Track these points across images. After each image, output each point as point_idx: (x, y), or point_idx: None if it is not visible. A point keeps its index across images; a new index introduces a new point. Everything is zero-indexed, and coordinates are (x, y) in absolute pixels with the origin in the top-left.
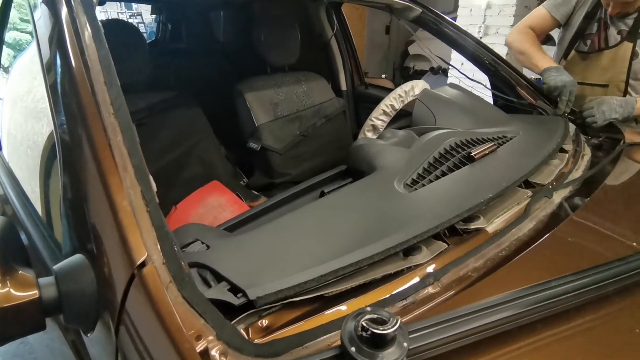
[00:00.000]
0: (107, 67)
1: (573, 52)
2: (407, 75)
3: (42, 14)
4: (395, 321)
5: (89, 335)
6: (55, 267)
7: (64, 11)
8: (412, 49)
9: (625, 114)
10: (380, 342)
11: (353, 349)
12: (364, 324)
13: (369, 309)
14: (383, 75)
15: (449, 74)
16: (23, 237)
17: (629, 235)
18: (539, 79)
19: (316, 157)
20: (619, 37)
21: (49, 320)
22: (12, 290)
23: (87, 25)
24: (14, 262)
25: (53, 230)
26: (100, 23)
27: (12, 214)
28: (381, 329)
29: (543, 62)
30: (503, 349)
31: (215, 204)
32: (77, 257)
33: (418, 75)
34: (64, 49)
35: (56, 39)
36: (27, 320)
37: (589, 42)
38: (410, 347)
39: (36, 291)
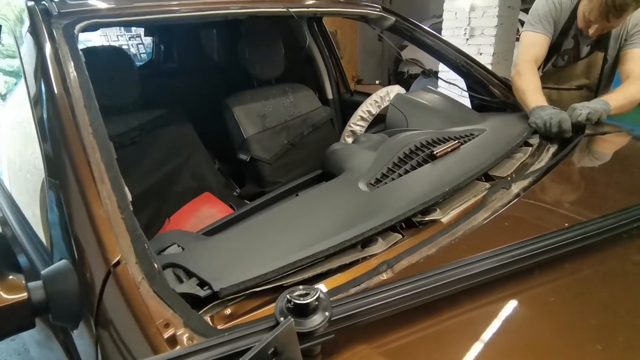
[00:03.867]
0: (87, 92)
1: (550, 66)
2: (402, 79)
3: (27, 47)
4: (315, 293)
5: (74, 332)
6: (43, 272)
7: (47, 41)
8: (405, 54)
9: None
10: (303, 312)
11: (282, 319)
12: (289, 297)
13: (301, 287)
14: (377, 82)
15: (439, 77)
16: (22, 258)
17: (566, 213)
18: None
19: (305, 164)
20: (588, 49)
21: (45, 328)
22: (1, 293)
23: (69, 55)
24: (5, 269)
25: (50, 247)
26: (81, 52)
27: (12, 236)
28: (301, 300)
29: (531, 101)
30: (428, 320)
31: (207, 215)
32: (62, 262)
33: (412, 79)
34: (47, 76)
35: (40, 67)
36: (18, 320)
37: (566, 57)
38: (335, 316)
39: (25, 294)
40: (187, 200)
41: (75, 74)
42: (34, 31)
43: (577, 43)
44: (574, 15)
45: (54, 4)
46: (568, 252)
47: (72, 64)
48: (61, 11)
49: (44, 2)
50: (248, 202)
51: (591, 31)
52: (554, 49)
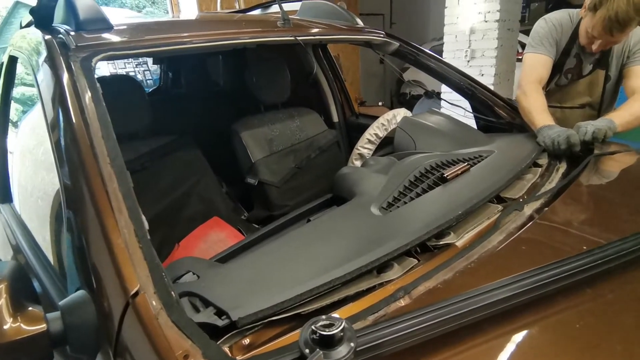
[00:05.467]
0: (104, 123)
1: (553, 85)
2: (404, 100)
3: (44, 73)
4: (340, 324)
5: None
6: (61, 302)
7: (65, 74)
8: (407, 76)
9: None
10: (329, 343)
11: (307, 350)
12: (314, 328)
13: (323, 317)
14: (380, 103)
15: (442, 97)
16: (36, 283)
17: (583, 235)
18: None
19: (312, 187)
20: (590, 67)
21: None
22: (22, 325)
23: (87, 87)
24: (24, 300)
25: (63, 274)
26: (98, 84)
27: (25, 263)
28: (327, 331)
29: (538, 120)
30: (453, 348)
31: (216, 239)
32: (80, 293)
33: (415, 100)
34: (66, 108)
35: (58, 98)
36: (36, 352)
37: (569, 75)
38: (360, 347)
39: (44, 325)
40: (196, 224)
41: (93, 105)
42: (52, 64)
43: (580, 61)
44: (575, 34)
45: (71, 38)
46: (589, 277)
47: (90, 95)
48: (78, 45)
49: (61, 36)
50: (256, 226)
51: (594, 47)
52: (556, 68)
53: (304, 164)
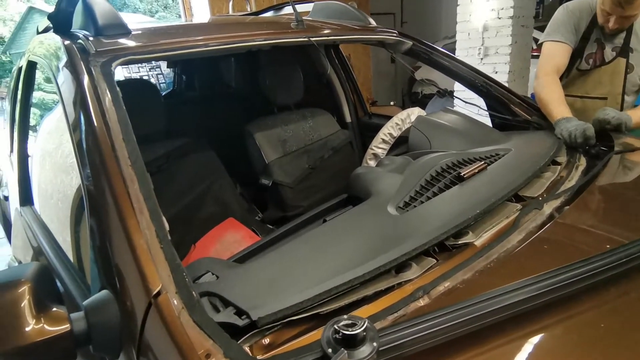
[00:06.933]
0: (124, 126)
1: (575, 70)
2: (416, 99)
3: (65, 78)
4: (362, 323)
5: None
6: (85, 302)
7: (85, 79)
8: (419, 74)
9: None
10: (351, 343)
11: (330, 350)
12: (336, 328)
13: (345, 316)
14: (392, 103)
15: (455, 96)
16: (57, 283)
17: (605, 234)
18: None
19: (326, 188)
20: (613, 53)
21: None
22: (45, 326)
23: (107, 91)
24: (48, 301)
25: (84, 274)
26: (118, 88)
27: (47, 264)
28: (350, 330)
29: (556, 112)
30: (475, 349)
31: (232, 240)
32: (103, 293)
33: (426, 99)
34: (87, 112)
35: (79, 103)
36: (60, 352)
37: (590, 61)
38: (383, 347)
39: (68, 325)
40: (211, 226)
41: (113, 108)
42: (73, 69)
43: (602, 47)
44: (594, 19)
45: (90, 43)
46: (613, 276)
47: (110, 99)
48: (98, 50)
49: (80, 41)
50: (270, 227)
51: (610, 24)
52: (577, 53)
53: (318, 164)
